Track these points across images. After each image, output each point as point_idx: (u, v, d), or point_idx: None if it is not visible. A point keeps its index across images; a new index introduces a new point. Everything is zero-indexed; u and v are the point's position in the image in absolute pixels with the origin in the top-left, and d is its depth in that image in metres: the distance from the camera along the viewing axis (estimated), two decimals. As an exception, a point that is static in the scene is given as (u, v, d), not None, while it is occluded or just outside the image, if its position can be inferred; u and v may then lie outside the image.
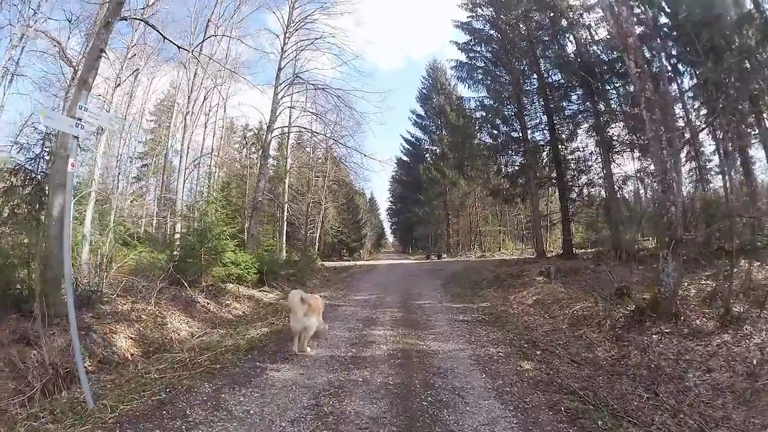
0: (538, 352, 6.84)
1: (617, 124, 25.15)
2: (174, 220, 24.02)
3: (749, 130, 18.64)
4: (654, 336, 6.71)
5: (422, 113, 51.90)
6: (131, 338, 7.65)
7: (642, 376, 5.57)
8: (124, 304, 8.79)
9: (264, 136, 22.34)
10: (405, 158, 54.68)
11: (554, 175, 27.77)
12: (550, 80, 27.43)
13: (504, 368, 6.10)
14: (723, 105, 17.66)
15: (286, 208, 32.32)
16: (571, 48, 26.46)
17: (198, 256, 12.17)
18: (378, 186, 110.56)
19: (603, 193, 27.31)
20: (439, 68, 51.15)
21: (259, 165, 23.38)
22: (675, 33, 20.50)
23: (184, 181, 25.81)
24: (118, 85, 20.03)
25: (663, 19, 21.09)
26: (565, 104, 27.25)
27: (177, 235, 17.10)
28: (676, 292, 7.56)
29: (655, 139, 8.48)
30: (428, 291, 15.38)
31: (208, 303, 11.22)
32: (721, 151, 19.69)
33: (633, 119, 22.61)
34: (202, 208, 14.84)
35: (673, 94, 20.83)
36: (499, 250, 46.89)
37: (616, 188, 24.80)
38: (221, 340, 7.78)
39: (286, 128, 24.76)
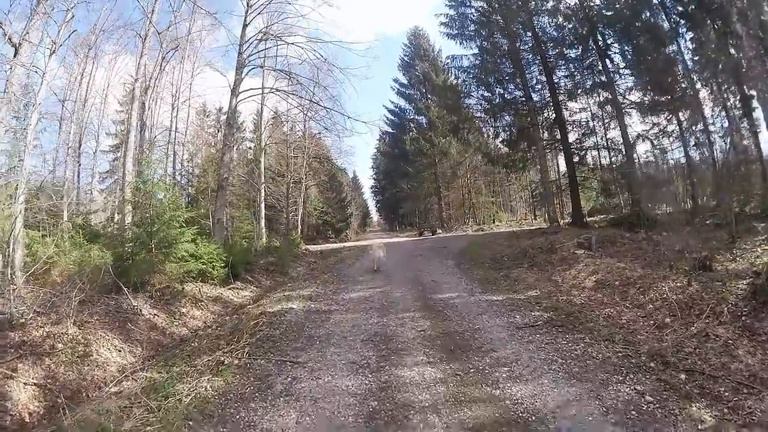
0: (683, 377, 4.53)
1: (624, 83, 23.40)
2: (119, 208, 20.61)
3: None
4: (793, 325, 4.97)
5: (405, 81, 48.33)
6: (35, 384, 5.55)
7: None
8: (41, 327, 6.72)
9: (229, 102, 18.85)
10: (390, 129, 51.24)
11: (558, 137, 25.58)
12: (547, 36, 25.13)
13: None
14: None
15: (263, 189, 29.18)
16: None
17: (150, 251, 10.04)
18: (361, 164, 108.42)
19: (608, 157, 25.37)
20: (422, 35, 48.54)
21: (223, 135, 19.92)
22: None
23: (133, 160, 22.24)
24: (54, 51, 16.57)
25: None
26: (562, 63, 25.14)
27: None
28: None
29: (757, 58, 6.16)
30: (445, 276, 12.08)
31: (155, 315, 8.91)
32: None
33: (653, 73, 20.96)
34: (148, 188, 11.85)
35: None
36: (494, 222, 44.67)
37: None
38: (129, 405, 4.45)
39: (257, 92, 21.13)
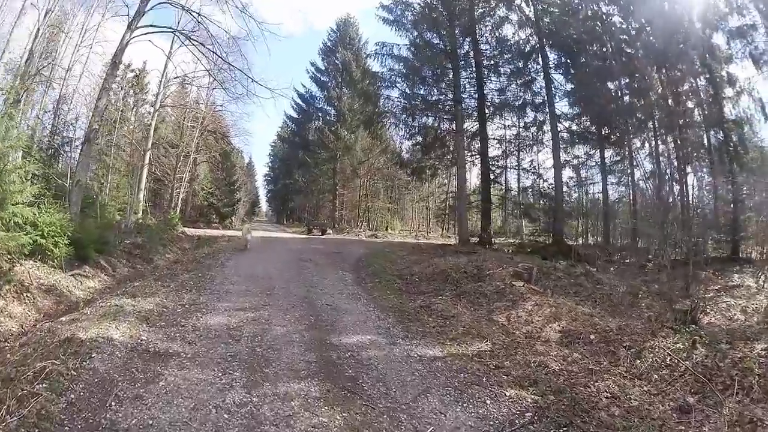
0: None
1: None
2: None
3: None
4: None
5: (322, 67, 44.66)
6: None
7: None
8: None
9: (122, 37, 14.71)
10: (295, 115, 47.86)
11: (479, 150, 23.90)
12: (489, 44, 23.69)
13: None
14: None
15: (148, 155, 25.33)
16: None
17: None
18: (258, 150, 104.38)
19: (524, 180, 24.68)
20: (351, 23, 45.25)
21: (104, 77, 15.70)
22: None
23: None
24: None
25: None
26: (494, 76, 23.85)
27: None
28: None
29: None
30: (346, 300, 8.77)
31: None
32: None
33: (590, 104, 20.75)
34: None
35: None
36: (387, 229, 42.38)
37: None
38: None
39: (158, 30, 16.32)
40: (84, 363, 4.54)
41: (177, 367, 4.71)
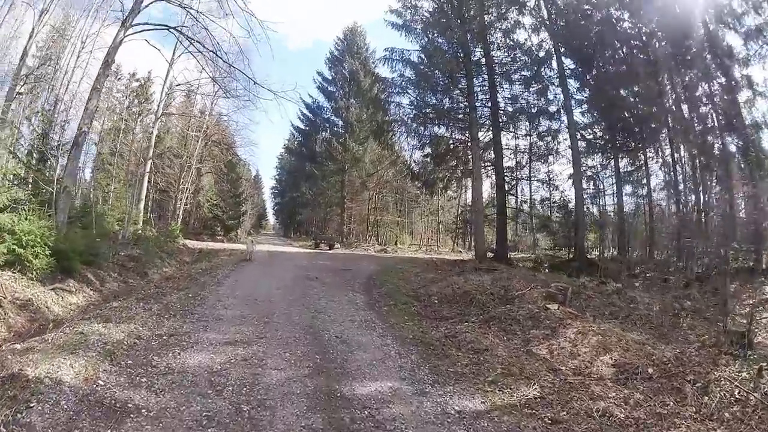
0: None
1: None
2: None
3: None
4: None
5: (329, 77, 43.92)
6: None
7: None
8: None
9: (115, 35, 14.13)
10: (302, 126, 46.88)
11: (492, 160, 22.64)
12: (501, 50, 22.67)
13: None
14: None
15: (149, 164, 24.74)
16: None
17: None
18: (265, 162, 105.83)
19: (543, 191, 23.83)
20: (358, 32, 44.47)
21: (96, 76, 14.82)
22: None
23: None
24: None
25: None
26: (507, 84, 22.92)
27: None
28: None
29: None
30: (358, 330, 7.49)
31: None
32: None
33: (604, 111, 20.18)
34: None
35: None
36: (396, 243, 41.42)
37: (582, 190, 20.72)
38: None
39: (154, 28, 15.64)
40: (18, 415, 3.48)
41: (134, 432, 3.45)
